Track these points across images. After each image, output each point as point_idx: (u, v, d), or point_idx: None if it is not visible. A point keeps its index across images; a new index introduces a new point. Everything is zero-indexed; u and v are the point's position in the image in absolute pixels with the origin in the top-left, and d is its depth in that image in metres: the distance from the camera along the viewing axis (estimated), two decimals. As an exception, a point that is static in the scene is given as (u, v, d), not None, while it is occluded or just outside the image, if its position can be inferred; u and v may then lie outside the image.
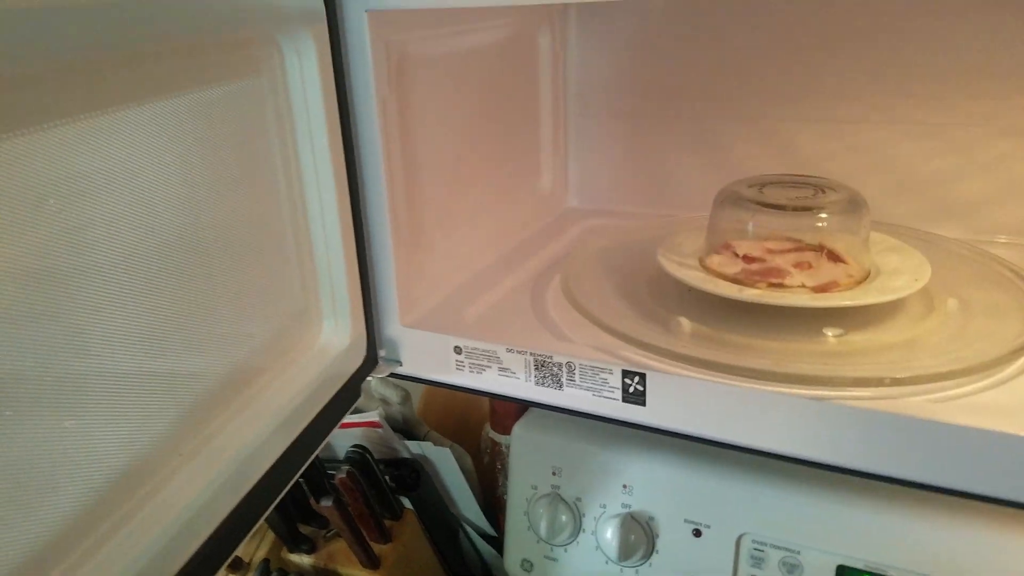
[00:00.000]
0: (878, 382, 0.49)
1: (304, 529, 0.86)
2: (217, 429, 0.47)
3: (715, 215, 0.68)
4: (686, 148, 0.87)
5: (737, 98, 0.82)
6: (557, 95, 0.88)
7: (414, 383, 0.95)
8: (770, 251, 0.64)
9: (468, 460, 0.91)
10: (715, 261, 0.65)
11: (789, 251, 0.63)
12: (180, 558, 0.42)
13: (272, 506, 0.51)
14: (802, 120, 0.79)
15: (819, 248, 0.63)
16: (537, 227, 0.87)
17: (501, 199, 0.80)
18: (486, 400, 0.96)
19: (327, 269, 0.57)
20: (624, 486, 0.72)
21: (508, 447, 0.82)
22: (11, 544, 0.34)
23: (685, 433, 0.54)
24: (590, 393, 0.56)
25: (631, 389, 0.55)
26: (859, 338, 0.57)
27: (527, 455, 0.77)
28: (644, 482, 0.71)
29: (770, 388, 0.50)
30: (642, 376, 0.54)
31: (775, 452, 0.51)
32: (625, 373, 0.54)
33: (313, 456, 0.55)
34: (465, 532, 0.94)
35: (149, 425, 0.42)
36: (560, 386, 0.57)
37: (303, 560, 0.86)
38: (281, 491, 0.52)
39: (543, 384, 0.58)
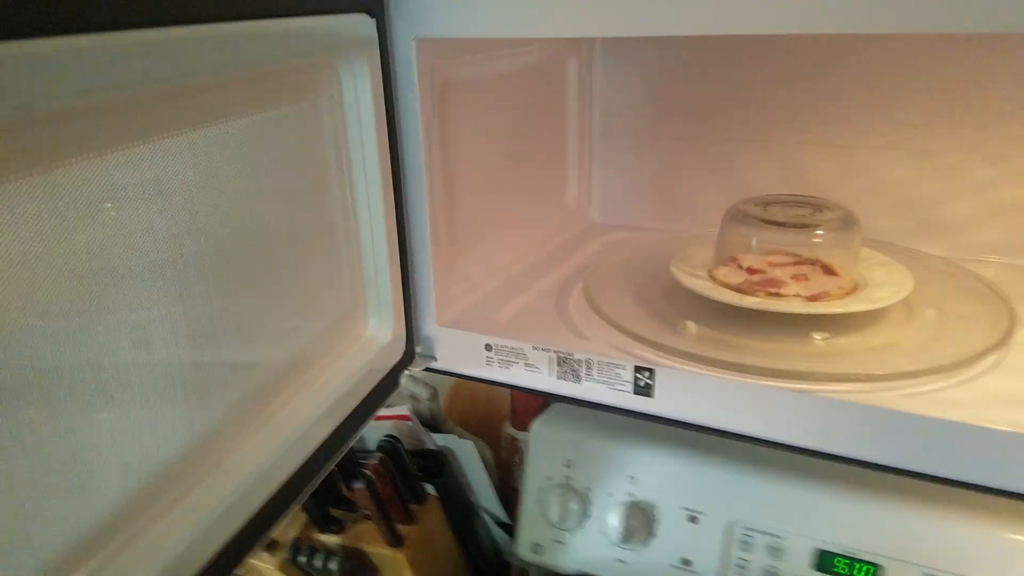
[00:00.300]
0: (854, 378, 0.54)
1: (334, 512, 0.89)
2: (271, 415, 0.50)
3: (723, 231, 0.71)
4: (701, 168, 0.90)
5: (748, 124, 0.85)
6: (583, 117, 0.91)
7: (442, 382, 1.00)
8: (771, 264, 0.67)
9: (489, 453, 0.94)
10: (722, 272, 0.69)
11: (788, 264, 0.67)
12: (229, 531, 0.44)
13: (314, 485, 0.53)
14: (807, 144, 0.82)
15: (815, 262, 0.67)
16: (562, 239, 0.91)
17: (530, 213, 0.83)
18: (506, 401, 1.00)
19: (373, 272, 0.60)
20: (630, 477, 0.75)
21: (526, 442, 0.87)
22: (86, 516, 0.37)
23: (686, 421, 0.58)
24: (605, 386, 0.60)
25: (641, 383, 0.59)
26: (843, 341, 0.61)
27: (544, 449, 0.81)
28: (648, 473, 0.75)
29: (760, 382, 0.55)
30: (651, 371, 0.58)
31: (763, 438, 0.56)
32: (637, 368, 0.59)
33: (353, 440, 0.57)
34: (481, 518, 0.97)
35: (209, 411, 0.45)
36: (579, 380, 0.61)
37: (331, 540, 0.89)
38: (323, 472, 0.54)
39: (564, 378, 0.62)
